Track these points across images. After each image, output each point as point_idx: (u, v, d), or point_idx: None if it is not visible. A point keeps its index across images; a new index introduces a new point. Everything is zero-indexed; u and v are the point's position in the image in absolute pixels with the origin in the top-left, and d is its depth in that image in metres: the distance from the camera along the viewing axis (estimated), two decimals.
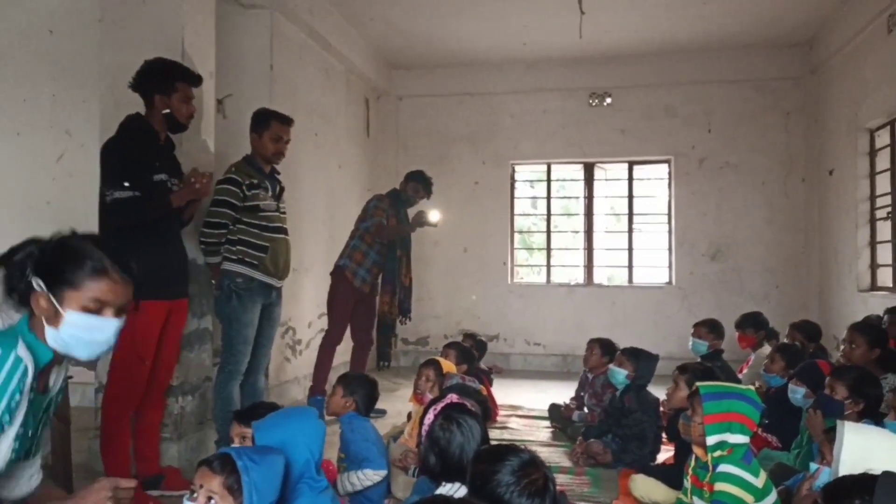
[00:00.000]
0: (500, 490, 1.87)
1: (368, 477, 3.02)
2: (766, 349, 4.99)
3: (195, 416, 3.91)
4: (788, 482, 2.83)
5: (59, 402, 2.02)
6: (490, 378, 5.69)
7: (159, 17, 3.73)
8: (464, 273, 8.12)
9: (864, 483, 1.68)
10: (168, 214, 3.32)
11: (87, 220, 3.23)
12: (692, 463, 2.73)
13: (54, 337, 1.78)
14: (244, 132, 4.14)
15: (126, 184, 3.13)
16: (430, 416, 2.46)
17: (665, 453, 3.92)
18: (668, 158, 7.87)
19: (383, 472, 3.06)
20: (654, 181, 8.11)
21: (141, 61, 3.34)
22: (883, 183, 6.02)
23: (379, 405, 3.89)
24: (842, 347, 3.91)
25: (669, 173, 7.90)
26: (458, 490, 2.22)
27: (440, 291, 8.13)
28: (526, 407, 5.62)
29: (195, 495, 1.93)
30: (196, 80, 3.45)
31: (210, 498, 1.92)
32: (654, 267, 8.07)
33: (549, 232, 8.40)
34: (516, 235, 8.48)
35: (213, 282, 3.91)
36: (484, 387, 4.51)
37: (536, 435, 4.76)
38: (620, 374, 4.08)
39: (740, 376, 5.02)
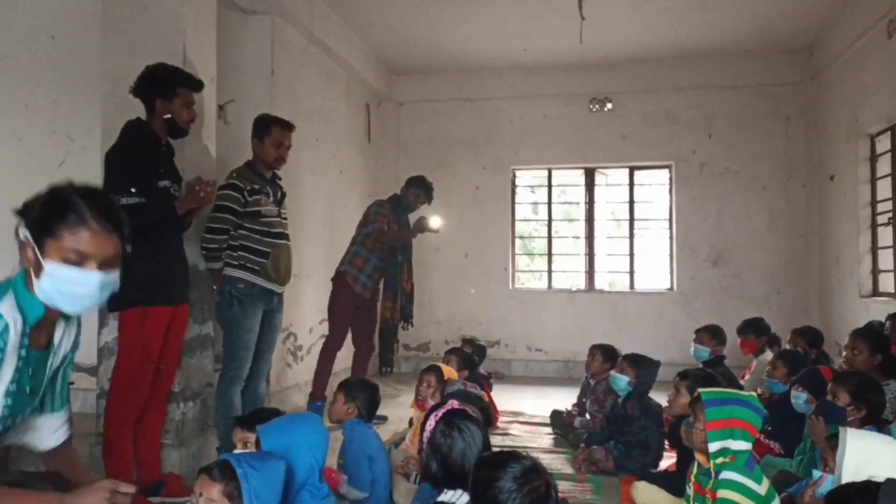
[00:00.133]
0: (502, 497, 1.86)
1: (353, 493, 2.99)
2: (768, 355, 4.98)
3: (196, 422, 3.90)
4: (791, 489, 2.82)
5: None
6: (490, 383, 5.68)
7: (161, 23, 3.74)
8: (465, 278, 8.11)
9: (867, 490, 1.68)
10: (172, 221, 3.32)
11: None
12: (694, 470, 2.72)
13: (39, 289, 1.75)
14: (245, 138, 4.14)
15: (133, 190, 3.13)
16: (431, 423, 2.45)
17: (667, 460, 3.91)
18: (669, 164, 7.87)
19: (365, 495, 3.00)
20: (655, 186, 8.11)
21: (142, 66, 3.35)
22: (884, 188, 6.01)
23: (380, 411, 3.87)
24: (844, 353, 3.90)
25: (670, 178, 7.90)
26: (459, 497, 2.21)
27: (441, 297, 8.12)
28: (527, 413, 5.62)
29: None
30: (197, 85, 3.46)
31: None
32: (656, 272, 8.07)
33: (550, 237, 8.38)
34: (517, 241, 8.47)
35: (215, 287, 3.90)
36: (484, 392, 4.50)
37: (538, 441, 4.75)
38: (622, 381, 4.08)
39: (742, 382, 5.01)
